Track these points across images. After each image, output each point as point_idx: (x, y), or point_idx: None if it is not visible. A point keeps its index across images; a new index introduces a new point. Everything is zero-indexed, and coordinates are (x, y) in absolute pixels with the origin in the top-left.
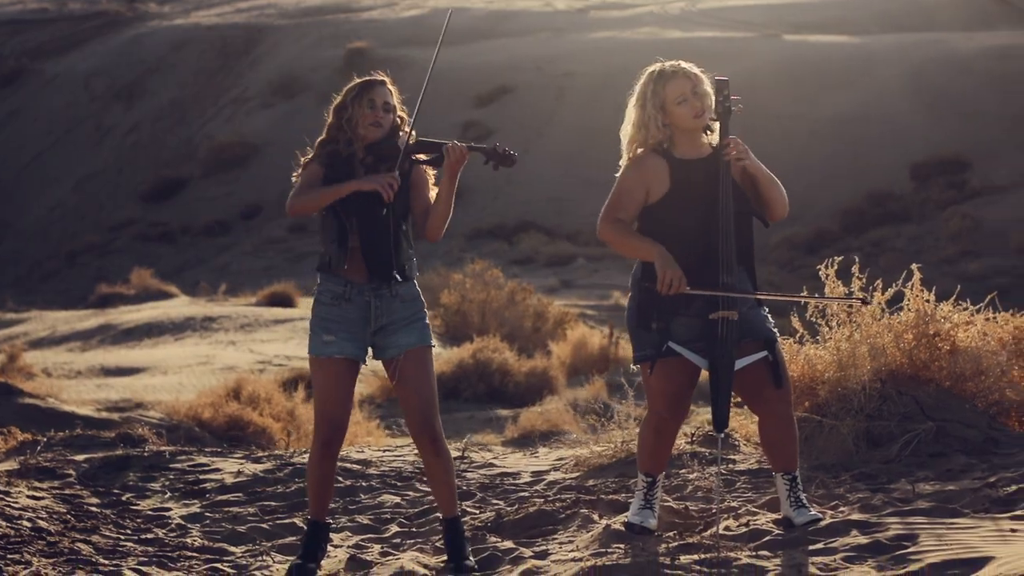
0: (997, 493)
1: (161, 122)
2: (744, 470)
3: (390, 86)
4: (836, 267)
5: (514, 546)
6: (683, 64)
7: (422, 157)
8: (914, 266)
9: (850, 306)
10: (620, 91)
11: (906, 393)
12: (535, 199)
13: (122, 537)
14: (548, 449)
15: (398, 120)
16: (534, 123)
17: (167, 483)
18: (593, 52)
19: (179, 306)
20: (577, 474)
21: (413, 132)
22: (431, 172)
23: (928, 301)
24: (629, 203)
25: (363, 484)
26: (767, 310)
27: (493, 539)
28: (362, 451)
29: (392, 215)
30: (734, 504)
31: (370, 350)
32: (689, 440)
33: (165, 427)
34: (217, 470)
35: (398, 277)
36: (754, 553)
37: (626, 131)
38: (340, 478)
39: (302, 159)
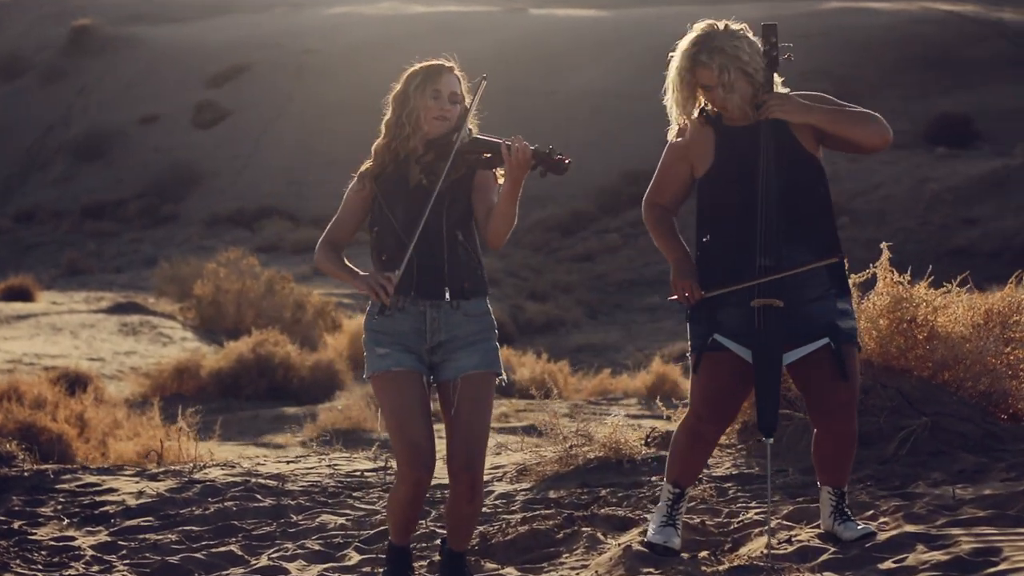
0: None
1: None
2: (725, 475)
3: (457, 72)
4: None
5: (519, 573)
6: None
7: (474, 157)
8: (883, 244)
9: None
10: (361, 68)
11: (889, 386)
12: (275, 182)
13: (39, 574)
14: None
15: (466, 114)
16: (272, 103)
17: (60, 507)
18: (332, 28)
19: None
20: (530, 484)
21: (469, 131)
22: (500, 172)
23: (901, 283)
24: (670, 183)
25: (290, 503)
26: (845, 306)
27: (490, 565)
28: (264, 463)
29: (445, 226)
30: (756, 517)
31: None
32: (645, 441)
33: None
34: (112, 490)
35: (448, 296)
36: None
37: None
38: (258, 496)
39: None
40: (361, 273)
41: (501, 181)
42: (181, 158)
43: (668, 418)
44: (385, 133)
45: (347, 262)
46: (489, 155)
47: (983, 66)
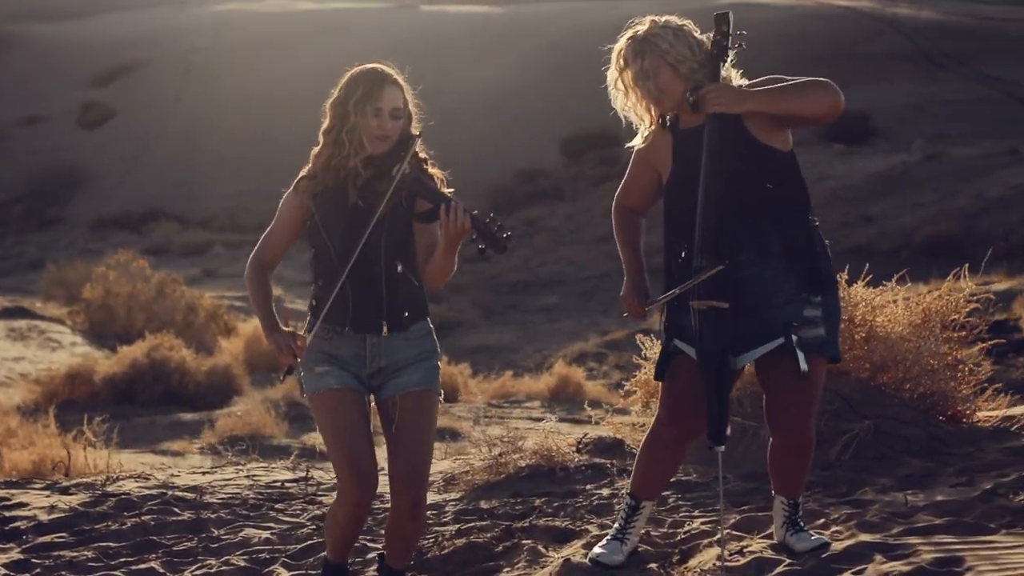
0: (1011, 503)
1: None
2: None
3: (402, 83)
4: None
5: None
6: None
7: (410, 205)
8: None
9: None
10: (249, 66)
11: (828, 388)
12: (163, 184)
13: None
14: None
15: (410, 123)
16: (160, 102)
17: None
18: (220, 25)
19: None
20: (459, 494)
21: (407, 166)
22: None
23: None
24: (637, 187)
25: (210, 516)
26: (814, 312)
27: None
28: (178, 474)
29: (383, 256)
30: (702, 527)
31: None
32: (577, 448)
33: None
34: (23, 504)
35: (386, 330)
36: None
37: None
38: (176, 510)
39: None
40: (279, 328)
41: None
42: (66, 159)
43: (597, 422)
44: (324, 145)
45: (272, 304)
46: (429, 209)
47: (879, 62)
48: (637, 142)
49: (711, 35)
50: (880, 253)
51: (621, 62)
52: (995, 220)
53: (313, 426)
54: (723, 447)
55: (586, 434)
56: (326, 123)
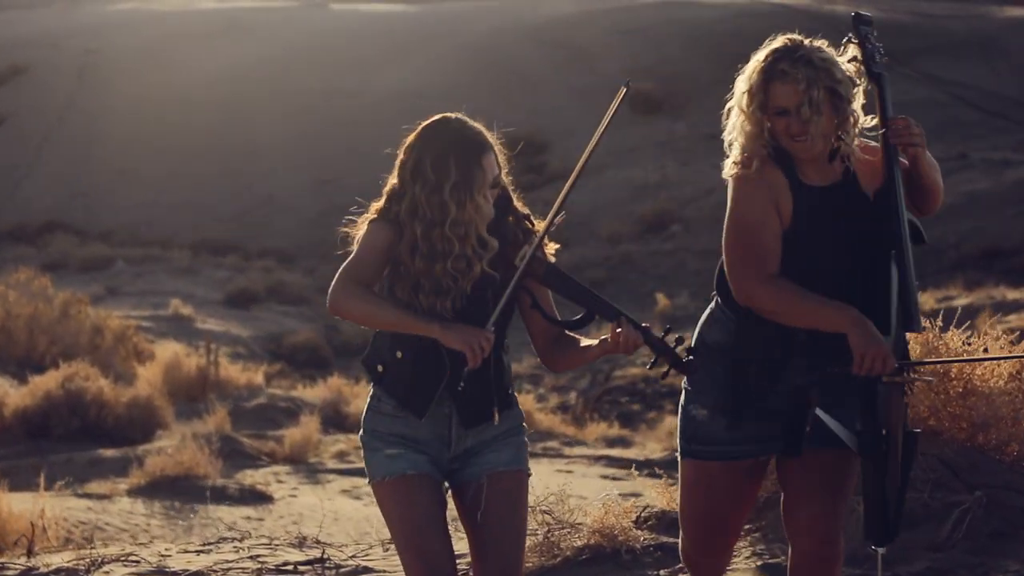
0: None
1: None
2: (750, 568)
3: (492, 141)
4: None
5: None
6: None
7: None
8: None
9: None
10: (150, 69)
11: (928, 453)
12: (59, 194)
13: None
14: None
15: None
16: (53, 107)
17: None
18: (118, 25)
19: None
20: None
21: (547, 244)
22: None
23: (926, 328)
24: (769, 240)
25: None
26: None
27: None
28: (169, 554)
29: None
30: None
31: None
32: (636, 522)
33: None
34: None
35: (497, 417)
36: None
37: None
38: None
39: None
40: (450, 322)
41: None
42: None
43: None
44: (423, 237)
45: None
46: (579, 317)
47: None
48: (732, 169)
49: (853, 46)
50: None
51: (766, 79)
52: (946, 228)
53: (253, 464)
54: (883, 549)
55: (645, 507)
56: (407, 200)
